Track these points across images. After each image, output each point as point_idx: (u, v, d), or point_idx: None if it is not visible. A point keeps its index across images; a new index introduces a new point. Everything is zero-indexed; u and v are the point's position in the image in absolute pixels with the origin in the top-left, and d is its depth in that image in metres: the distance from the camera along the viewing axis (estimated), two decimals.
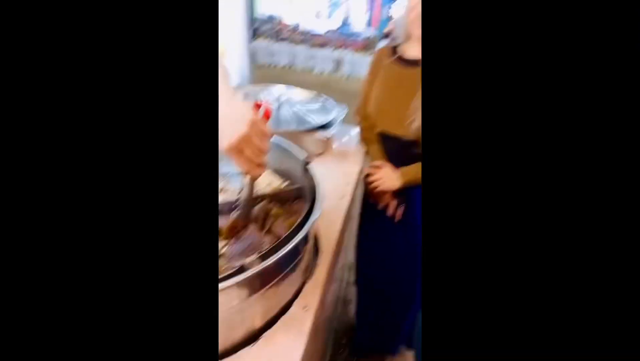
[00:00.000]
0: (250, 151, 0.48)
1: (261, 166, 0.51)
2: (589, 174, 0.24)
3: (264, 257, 0.40)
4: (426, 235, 0.28)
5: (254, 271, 0.38)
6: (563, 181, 0.25)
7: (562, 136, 0.25)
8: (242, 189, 0.59)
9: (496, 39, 0.25)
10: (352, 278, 1.27)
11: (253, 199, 0.56)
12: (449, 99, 0.27)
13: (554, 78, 0.25)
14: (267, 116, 0.54)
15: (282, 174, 0.66)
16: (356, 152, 1.04)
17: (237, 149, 0.48)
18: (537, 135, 0.25)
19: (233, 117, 0.47)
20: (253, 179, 0.55)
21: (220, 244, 0.51)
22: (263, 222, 0.56)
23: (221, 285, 0.36)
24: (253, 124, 0.47)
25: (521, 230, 0.25)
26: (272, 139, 0.52)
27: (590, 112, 0.24)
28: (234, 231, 0.53)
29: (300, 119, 0.97)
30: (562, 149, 0.25)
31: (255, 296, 0.40)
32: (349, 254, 1.21)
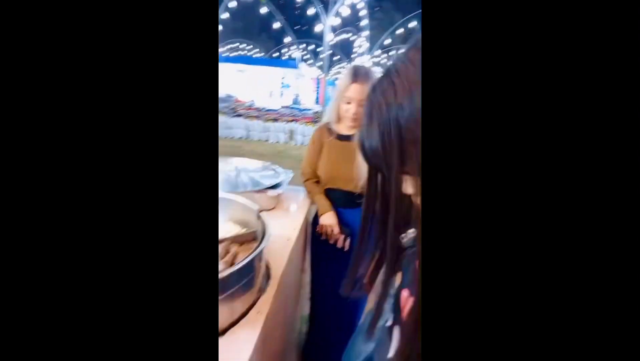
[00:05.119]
0: None
1: None
2: (590, 176, 0.23)
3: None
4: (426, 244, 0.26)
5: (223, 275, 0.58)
6: (564, 185, 0.23)
7: (562, 137, 0.23)
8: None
9: (496, 42, 0.25)
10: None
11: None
12: (448, 101, 0.27)
13: (554, 80, 0.24)
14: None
15: (240, 223, 0.88)
16: (302, 206, 1.30)
17: None
18: (537, 138, 0.25)
19: None
20: None
21: None
22: (225, 257, 0.72)
23: None
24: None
25: (524, 240, 0.24)
26: (231, 197, 0.61)
27: (590, 112, 0.25)
28: None
29: (255, 182, 1.24)
30: (562, 151, 0.23)
31: (223, 297, 0.59)
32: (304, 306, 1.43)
